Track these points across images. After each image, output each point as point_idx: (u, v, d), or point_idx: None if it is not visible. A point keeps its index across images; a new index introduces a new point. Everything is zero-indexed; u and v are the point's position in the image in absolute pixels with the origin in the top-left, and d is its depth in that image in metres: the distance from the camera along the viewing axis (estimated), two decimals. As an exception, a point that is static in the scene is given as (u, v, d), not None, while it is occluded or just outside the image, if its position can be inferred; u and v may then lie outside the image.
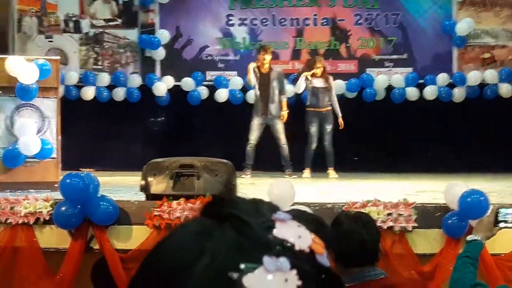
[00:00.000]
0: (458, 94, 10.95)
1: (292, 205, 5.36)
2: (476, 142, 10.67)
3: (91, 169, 9.93)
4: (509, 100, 10.82)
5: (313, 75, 9.82)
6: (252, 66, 9.66)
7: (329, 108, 9.83)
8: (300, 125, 9.86)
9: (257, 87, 9.71)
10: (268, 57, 9.71)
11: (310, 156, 9.83)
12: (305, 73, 9.84)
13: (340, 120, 9.83)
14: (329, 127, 9.81)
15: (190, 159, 5.92)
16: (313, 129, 9.81)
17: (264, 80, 9.72)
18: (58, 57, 8.06)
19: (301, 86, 9.88)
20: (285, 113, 9.70)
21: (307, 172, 9.77)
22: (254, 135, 9.74)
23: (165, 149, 9.97)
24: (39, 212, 5.44)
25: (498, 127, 10.69)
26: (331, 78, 10.00)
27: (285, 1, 11.24)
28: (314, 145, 9.82)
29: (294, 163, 9.77)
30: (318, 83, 9.84)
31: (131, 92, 11.04)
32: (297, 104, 10.29)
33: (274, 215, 0.91)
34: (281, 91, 9.77)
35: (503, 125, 10.63)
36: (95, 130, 11.02)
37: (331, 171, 9.81)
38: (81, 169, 9.69)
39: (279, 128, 9.72)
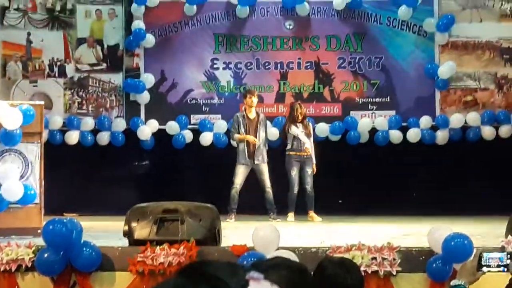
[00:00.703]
0: (441, 136, 11.03)
1: (276, 249, 5.36)
2: (460, 184, 10.70)
3: (75, 214, 9.89)
4: (492, 142, 10.92)
5: (293, 121, 9.90)
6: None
7: (309, 152, 9.87)
8: (284, 168, 9.88)
9: (243, 132, 9.80)
10: (255, 100, 9.85)
11: (293, 200, 9.84)
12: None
13: (314, 166, 9.90)
14: (309, 170, 9.85)
15: (173, 204, 5.91)
16: (294, 173, 9.83)
17: (251, 125, 9.83)
18: (42, 102, 8.07)
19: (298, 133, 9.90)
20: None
21: (291, 215, 9.76)
22: (239, 179, 9.76)
23: (150, 194, 9.92)
24: (21, 259, 5.39)
25: (481, 169, 10.74)
26: (310, 124, 10.10)
27: (269, 45, 11.33)
28: (295, 189, 9.83)
29: (278, 207, 9.77)
30: (299, 128, 9.91)
31: (116, 136, 11.03)
32: (281, 148, 10.33)
33: (248, 274, 0.93)
34: (266, 137, 9.91)
35: (486, 167, 10.69)
36: (79, 175, 10.98)
37: (313, 214, 9.79)
38: (64, 214, 9.65)
39: (265, 172, 9.78)
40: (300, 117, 9.91)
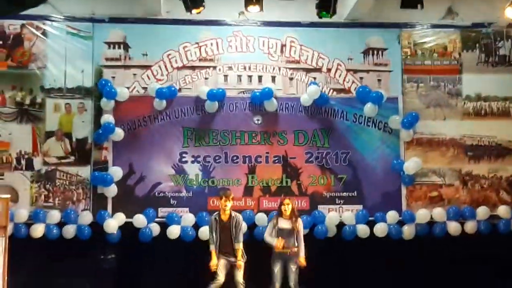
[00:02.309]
0: (408, 231, 11.11)
1: None
2: (427, 279, 10.72)
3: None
4: (458, 238, 11.02)
5: (280, 216, 9.93)
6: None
7: (295, 249, 9.81)
8: (256, 263, 9.81)
9: (215, 234, 9.73)
10: (229, 204, 9.80)
11: None
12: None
13: (301, 260, 9.80)
14: (294, 267, 9.79)
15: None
16: (276, 269, 9.77)
17: (224, 227, 9.77)
18: (8, 196, 8.02)
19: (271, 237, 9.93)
20: (241, 262, 9.72)
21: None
22: (222, 273, 9.61)
23: (115, 288, 9.83)
24: None
25: (447, 265, 10.78)
26: (300, 220, 10.08)
27: (237, 139, 11.44)
28: (277, 285, 9.75)
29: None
30: (285, 224, 9.91)
31: (82, 229, 10.92)
32: (250, 241, 10.27)
33: None
34: (237, 238, 9.80)
35: (452, 263, 10.74)
36: (43, 268, 10.78)
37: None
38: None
39: (239, 269, 9.66)
40: (286, 213, 9.94)
